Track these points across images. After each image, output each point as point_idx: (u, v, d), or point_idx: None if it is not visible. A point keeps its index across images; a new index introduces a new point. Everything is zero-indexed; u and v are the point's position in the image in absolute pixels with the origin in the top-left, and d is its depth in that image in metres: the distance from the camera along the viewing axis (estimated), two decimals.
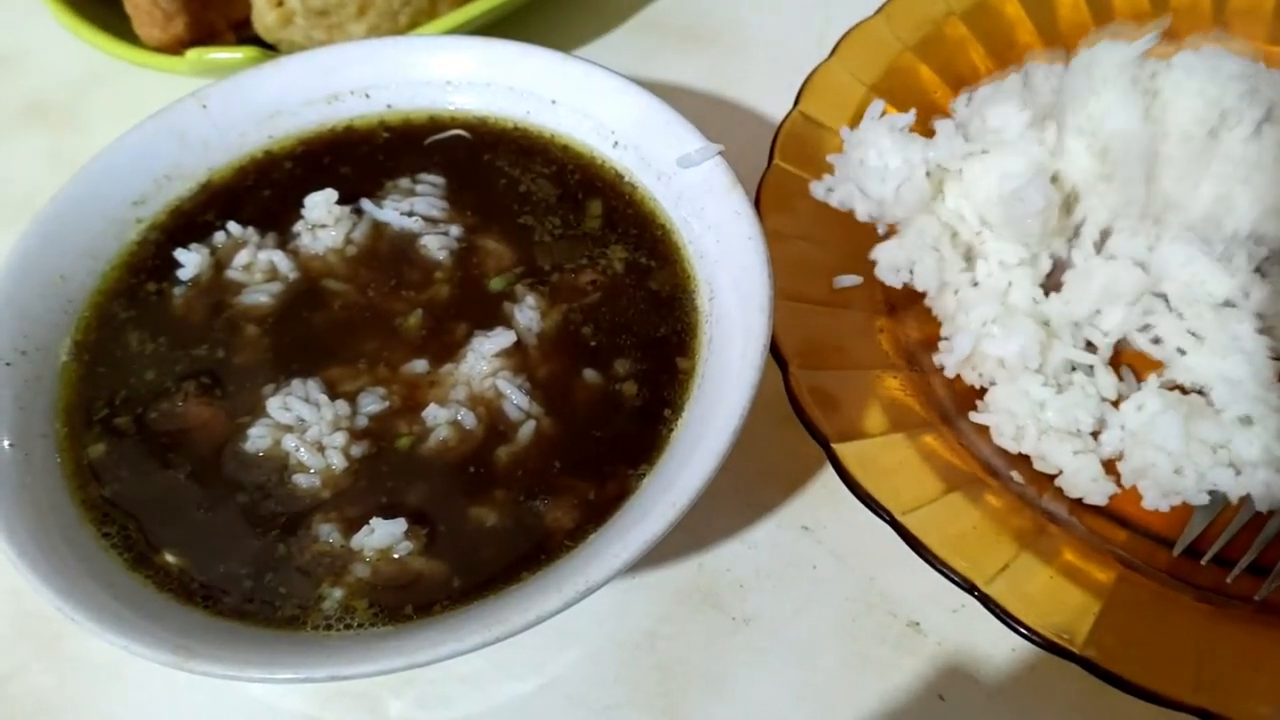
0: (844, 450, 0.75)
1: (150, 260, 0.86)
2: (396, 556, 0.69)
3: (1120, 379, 0.83)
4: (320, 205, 0.85)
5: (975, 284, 0.87)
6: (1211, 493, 0.77)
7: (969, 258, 0.88)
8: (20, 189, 1.12)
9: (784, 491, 0.85)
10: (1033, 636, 0.68)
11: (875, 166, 0.87)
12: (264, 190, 0.89)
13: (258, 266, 0.84)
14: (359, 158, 0.90)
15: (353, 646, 0.65)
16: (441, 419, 0.74)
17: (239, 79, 0.91)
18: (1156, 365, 0.83)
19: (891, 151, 0.87)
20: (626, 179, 0.87)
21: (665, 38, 1.19)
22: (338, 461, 0.73)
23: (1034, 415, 0.81)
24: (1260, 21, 1.01)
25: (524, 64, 0.91)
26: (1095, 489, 0.78)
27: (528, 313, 0.79)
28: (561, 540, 0.69)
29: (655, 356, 0.77)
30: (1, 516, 0.67)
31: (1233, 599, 0.73)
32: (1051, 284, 0.87)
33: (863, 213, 0.90)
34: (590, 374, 0.77)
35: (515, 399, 0.75)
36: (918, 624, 0.78)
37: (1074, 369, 0.83)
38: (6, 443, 0.73)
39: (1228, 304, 0.83)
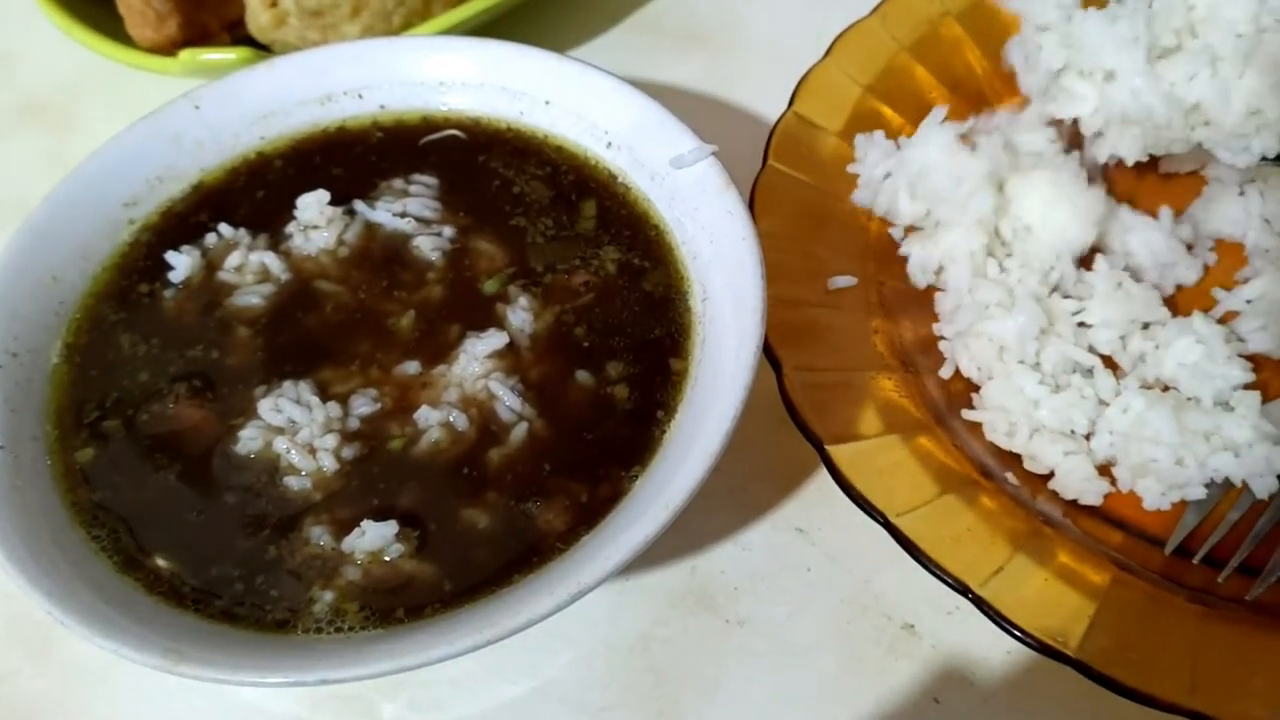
0: (838, 452, 0.75)
1: (142, 262, 0.85)
2: (388, 559, 0.69)
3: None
4: (313, 206, 0.85)
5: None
6: (1209, 485, 0.77)
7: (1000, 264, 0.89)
8: (12, 190, 1.11)
9: (778, 493, 0.84)
10: (1027, 639, 0.68)
11: (941, 171, 0.88)
12: (256, 191, 0.89)
13: (249, 268, 0.84)
14: (352, 159, 0.90)
15: (344, 649, 0.64)
16: (433, 421, 0.74)
17: (232, 80, 0.90)
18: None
19: (959, 156, 0.88)
20: (620, 180, 0.87)
21: (659, 38, 1.19)
22: (329, 463, 0.73)
23: (1027, 413, 0.80)
24: None
25: (517, 64, 0.90)
26: (1089, 488, 0.78)
27: (520, 314, 0.79)
28: (554, 542, 0.69)
29: (648, 358, 0.77)
30: None
31: (1225, 600, 0.73)
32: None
33: (907, 215, 0.90)
34: (583, 375, 0.77)
35: (508, 400, 0.75)
36: (912, 626, 0.78)
37: (1074, 370, 0.83)
38: None
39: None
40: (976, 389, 0.84)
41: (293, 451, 0.73)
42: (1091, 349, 0.84)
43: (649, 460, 0.72)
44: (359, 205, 0.86)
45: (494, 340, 0.77)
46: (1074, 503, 0.78)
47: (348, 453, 0.73)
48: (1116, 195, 0.92)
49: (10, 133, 1.18)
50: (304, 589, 0.68)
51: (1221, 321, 0.85)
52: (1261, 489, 0.76)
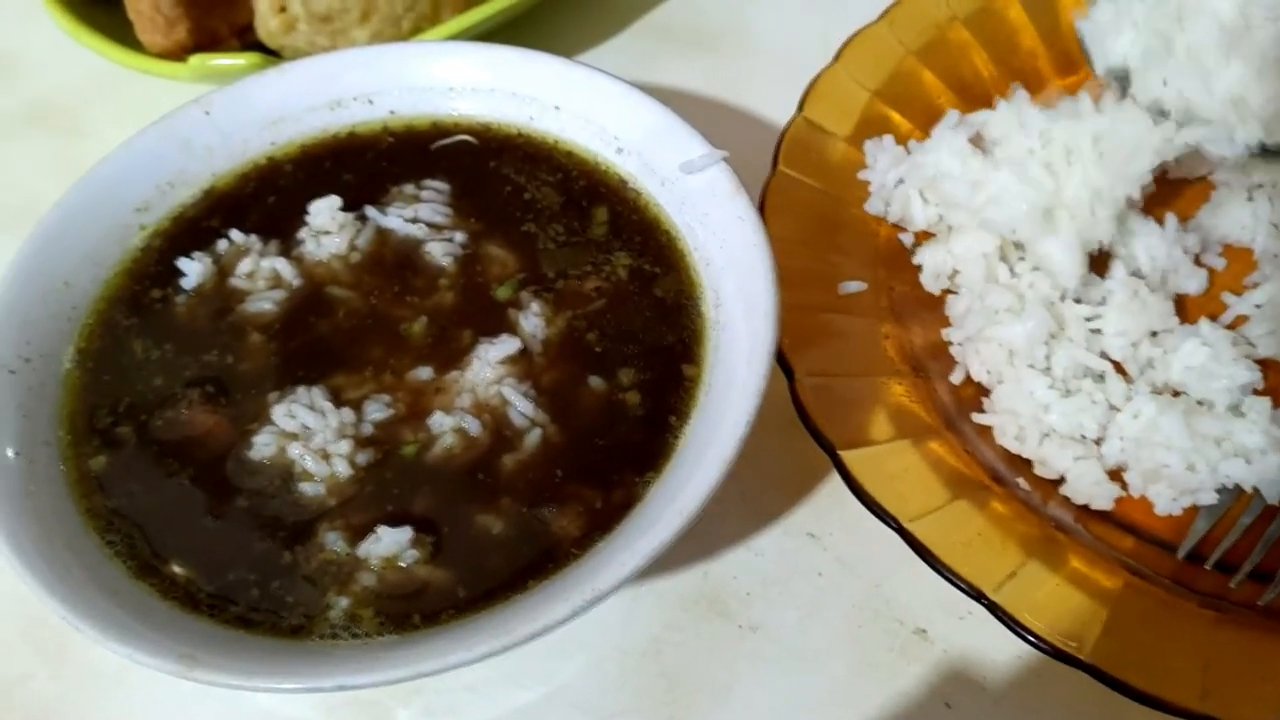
0: (850, 457, 0.75)
1: (153, 267, 0.85)
2: (403, 565, 0.69)
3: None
4: (324, 212, 0.85)
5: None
6: (1220, 491, 0.77)
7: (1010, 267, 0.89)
8: (22, 195, 1.11)
9: (789, 499, 0.85)
10: (1040, 643, 0.68)
11: (957, 175, 0.88)
12: (268, 197, 0.89)
13: (261, 274, 0.84)
14: (363, 164, 0.90)
15: (359, 656, 0.64)
16: (447, 426, 0.74)
17: (242, 85, 0.91)
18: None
19: (972, 160, 0.88)
20: (630, 185, 0.87)
21: (668, 43, 1.19)
22: (343, 469, 0.73)
23: (1037, 417, 0.81)
24: None
25: (527, 70, 0.90)
26: (1099, 493, 0.78)
27: (533, 320, 0.79)
28: (569, 549, 0.69)
29: (661, 363, 0.77)
30: (6, 526, 0.67)
31: (1237, 605, 0.73)
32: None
33: (920, 221, 0.91)
34: (595, 381, 0.77)
35: (520, 406, 0.75)
36: (924, 631, 0.78)
37: (1085, 375, 0.83)
38: (10, 451, 0.72)
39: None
40: (987, 394, 0.84)
41: (307, 457, 0.73)
42: (1104, 354, 0.84)
43: (663, 466, 0.72)
44: (370, 211, 0.86)
45: (506, 346, 0.77)
46: (1085, 508, 0.79)
47: (361, 458, 0.74)
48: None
49: (19, 138, 1.18)
50: (319, 595, 0.69)
51: (1231, 327, 0.85)
52: (1273, 494, 0.77)
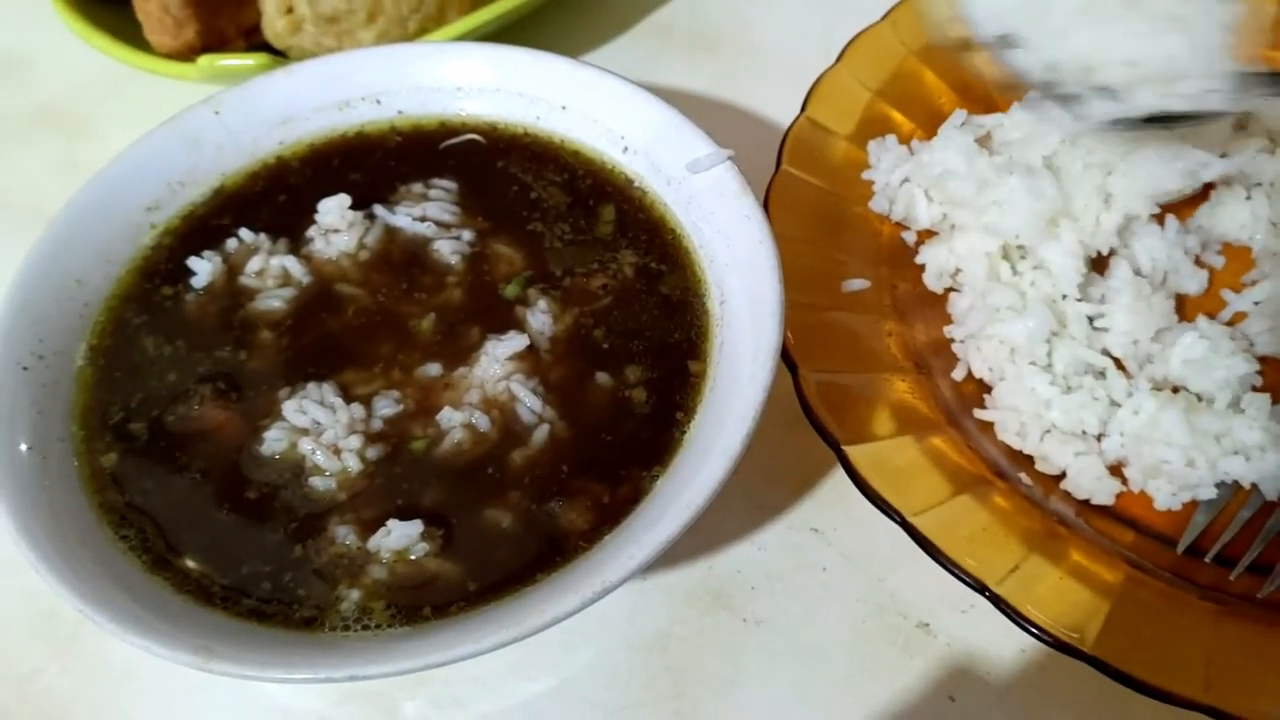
0: (855, 453, 0.76)
1: (164, 265, 0.86)
2: (413, 558, 0.70)
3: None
4: (333, 210, 0.85)
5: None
6: (1219, 485, 0.78)
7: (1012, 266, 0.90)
8: (31, 195, 1.12)
9: (793, 494, 0.85)
10: (1043, 636, 0.69)
11: (964, 174, 0.89)
12: (277, 195, 0.90)
13: (270, 272, 0.85)
14: (371, 163, 0.91)
15: (371, 647, 0.65)
16: (456, 422, 0.75)
17: (251, 85, 0.91)
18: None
19: (978, 160, 0.89)
20: (636, 184, 0.88)
21: (672, 43, 1.20)
22: (353, 464, 0.74)
23: (1038, 414, 0.81)
24: None
25: (533, 70, 0.91)
26: (1100, 488, 0.79)
27: (540, 317, 0.80)
28: (576, 542, 0.70)
29: (667, 360, 0.78)
30: (22, 521, 0.68)
31: (1236, 598, 0.74)
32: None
33: (925, 219, 0.91)
34: (602, 377, 0.78)
35: (529, 402, 0.76)
36: (927, 625, 0.78)
37: (1086, 372, 0.84)
38: (24, 446, 0.73)
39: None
40: (989, 390, 0.85)
41: (318, 452, 0.74)
42: (1105, 351, 0.85)
43: (669, 461, 0.73)
44: (379, 209, 0.87)
45: (514, 343, 0.78)
46: (1086, 502, 0.79)
47: (372, 453, 0.74)
48: None
49: (29, 138, 1.19)
50: (330, 588, 0.69)
51: (1230, 323, 0.86)
52: (1272, 490, 0.78)
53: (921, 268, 0.92)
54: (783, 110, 1.00)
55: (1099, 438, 0.82)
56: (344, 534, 0.71)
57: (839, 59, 1.00)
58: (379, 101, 0.93)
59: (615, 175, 0.88)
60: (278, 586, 0.70)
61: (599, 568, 0.65)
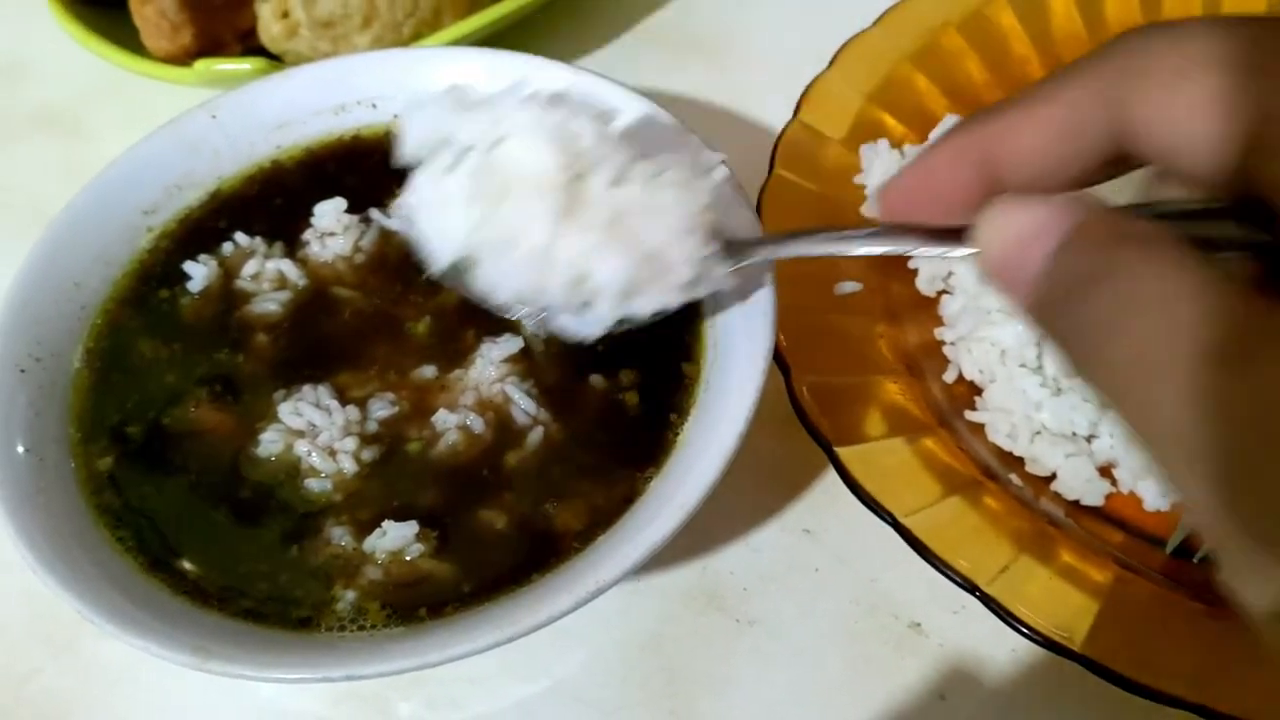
0: (847, 454, 0.77)
1: (160, 268, 0.87)
2: (408, 559, 0.70)
3: None
4: (330, 214, 0.86)
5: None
6: None
7: None
8: (27, 197, 1.13)
9: (785, 495, 0.86)
10: (1034, 635, 0.69)
11: None
12: (273, 199, 0.90)
13: (266, 276, 0.85)
14: (367, 167, 0.91)
15: (367, 647, 0.66)
16: (451, 424, 0.76)
17: (248, 90, 0.92)
18: None
19: None
20: None
21: (664, 48, 1.20)
22: (349, 466, 0.74)
23: (1029, 415, 0.82)
24: None
25: (529, 74, 0.90)
26: (1090, 489, 0.80)
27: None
28: (571, 542, 0.71)
29: (660, 362, 0.79)
30: (21, 523, 0.68)
31: (1224, 598, 0.74)
32: None
33: None
34: (596, 380, 0.78)
35: (523, 404, 0.76)
36: (919, 625, 0.79)
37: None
38: (21, 448, 0.74)
39: None
40: (979, 392, 0.86)
41: (313, 454, 0.74)
42: None
43: (663, 462, 0.73)
44: (375, 213, 0.87)
45: (509, 345, 0.78)
46: (1076, 503, 0.80)
47: (367, 455, 0.75)
48: None
49: (24, 141, 1.20)
50: (326, 588, 0.70)
51: None
52: None
53: (914, 271, 0.92)
54: (775, 115, 1.00)
55: (1089, 439, 0.82)
56: (339, 535, 0.71)
57: (831, 64, 1.01)
58: (375, 106, 0.94)
59: None
60: (274, 587, 0.70)
61: (593, 568, 0.66)
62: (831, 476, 0.83)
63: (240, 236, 0.87)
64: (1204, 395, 0.39)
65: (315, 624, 0.68)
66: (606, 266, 0.65)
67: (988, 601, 0.71)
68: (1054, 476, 0.81)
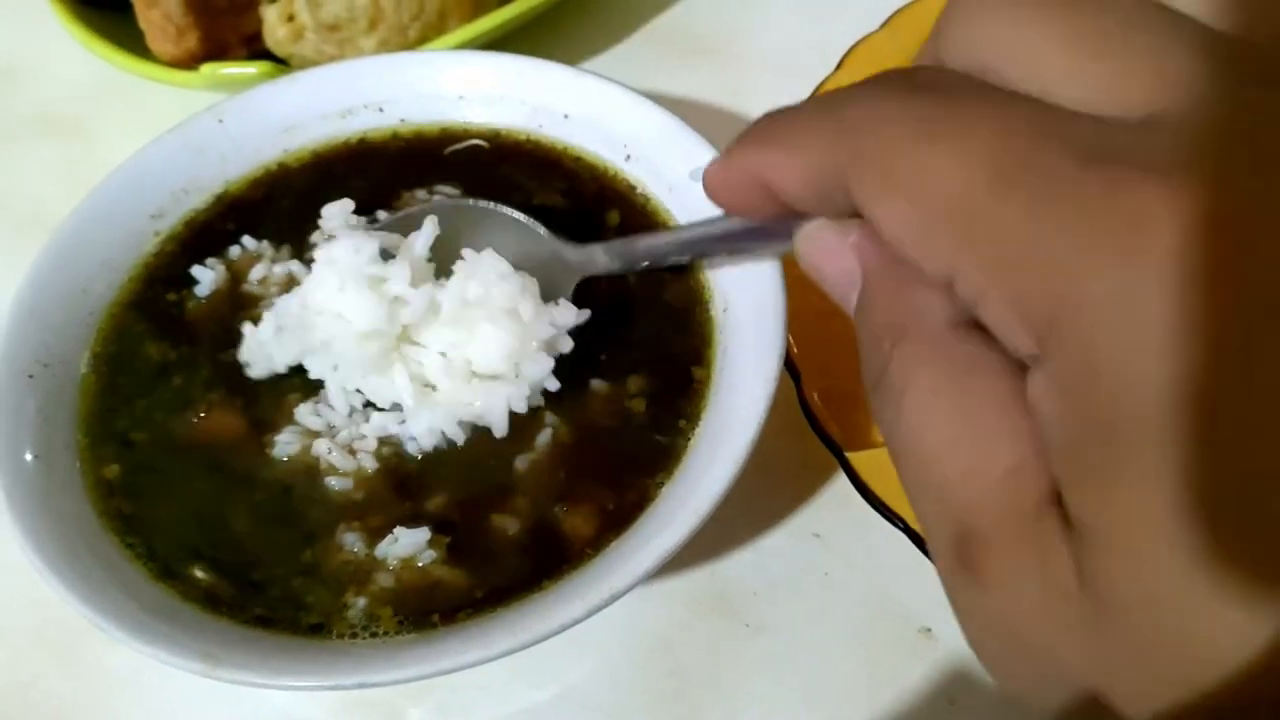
0: (857, 459, 0.76)
1: (166, 271, 0.86)
2: (420, 565, 0.70)
3: None
4: (337, 215, 0.85)
5: None
6: None
7: None
8: (31, 201, 1.12)
9: (794, 500, 0.86)
10: None
11: None
12: (280, 202, 0.90)
13: (273, 279, 0.85)
14: (374, 170, 0.91)
15: (379, 654, 0.65)
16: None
17: (254, 94, 0.92)
18: None
19: None
20: (639, 190, 0.88)
21: (672, 50, 1.20)
22: (369, 464, 0.74)
23: None
24: None
25: (536, 78, 0.92)
26: None
27: None
28: (582, 548, 0.70)
29: (670, 367, 0.78)
30: (30, 530, 0.68)
31: None
32: None
33: None
34: (605, 384, 0.78)
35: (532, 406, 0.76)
36: (929, 629, 0.79)
37: None
38: (30, 455, 0.73)
39: None
40: None
41: (333, 452, 0.74)
42: None
43: (674, 467, 0.73)
44: (382, 215, 0.87)
45: None
46: None
47: (380, 458, 0.74)
48: None
49: (28, 144, 1.19)
50: (337, 595, 0.69)
51: None
52: None
53: None
54: None
55: None
56: (351, 541, 0.71)
57: (838, 66, 1.00)
58: (381, 109, 0.94)
59: (618, 182, 0.89)
60: (285, 594, 0.70)
61: (607, 573, 0.65)
62: (841, 481, 0.82)
63: (248, 240, 0.87)
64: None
65: (327, 631, 0.68)
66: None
67: None
68: None
